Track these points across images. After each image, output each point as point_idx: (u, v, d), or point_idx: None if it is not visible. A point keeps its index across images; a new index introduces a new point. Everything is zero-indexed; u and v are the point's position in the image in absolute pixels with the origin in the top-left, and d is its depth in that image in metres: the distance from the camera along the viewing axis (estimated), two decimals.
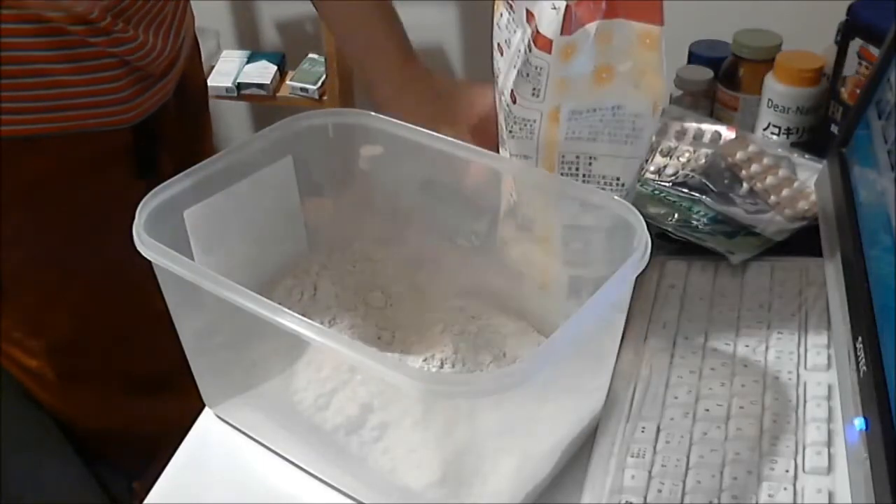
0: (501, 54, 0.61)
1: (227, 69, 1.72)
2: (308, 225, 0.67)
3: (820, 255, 0.65)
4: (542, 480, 0.55)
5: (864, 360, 0.53)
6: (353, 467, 0.55)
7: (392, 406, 0.52)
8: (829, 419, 0.56)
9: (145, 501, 0.57)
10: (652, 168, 0.77)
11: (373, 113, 0.64)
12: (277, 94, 1.71)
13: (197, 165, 0.58)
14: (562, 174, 0.59)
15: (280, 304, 0.48)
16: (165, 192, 0.56)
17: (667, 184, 0.75)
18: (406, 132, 0.62)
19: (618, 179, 0.59)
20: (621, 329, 0.58)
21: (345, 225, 0.69)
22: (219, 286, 0.50)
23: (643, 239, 0.52)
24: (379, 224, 0.69)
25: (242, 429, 0.61)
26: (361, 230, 0.69)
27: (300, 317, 0.47)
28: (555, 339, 0.46)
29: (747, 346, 0.62)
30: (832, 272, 0.63)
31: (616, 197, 0.56)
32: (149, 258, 0.53)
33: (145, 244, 0.53)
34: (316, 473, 0.57)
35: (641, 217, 0.54)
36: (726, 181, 0.74)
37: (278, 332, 0.48)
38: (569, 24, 0.53)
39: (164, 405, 0.86)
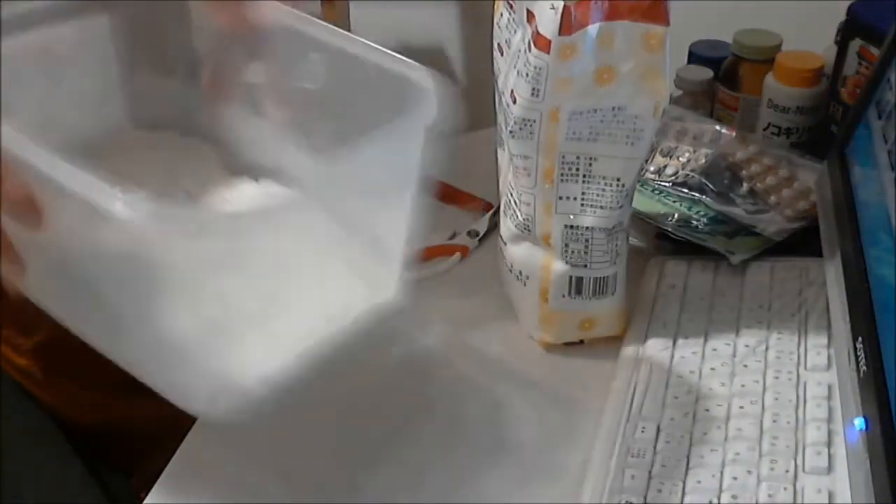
0: (501, 54, 0.61)
1: None
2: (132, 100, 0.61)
3: (820, 255, 0.65)
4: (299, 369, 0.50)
5: (864, 360, 0.54)
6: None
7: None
8: (829, 419, 0.56)
9: (146, 501, 0.57)
10: (652, 168, 0.77)
11: None
12: None
13: None
14: (562, 174, 0.59)
15: None
16: None
17: (667, 184, 0.75)
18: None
19: (618, 180, 0.59)
20: (407, 212, 0.52)
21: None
22: None
23: (431, 95, 0.50)
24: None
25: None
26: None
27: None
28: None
29: (747, 346, 0.63)
30: (832, 272, 0.63)
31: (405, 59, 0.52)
32: None
33: None
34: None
35: (435, 79, 0.51)
36: (726, 181, 0.74)
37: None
38: (567, 24, 0.53)
39: (161, 403, 0.86)
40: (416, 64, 0.52)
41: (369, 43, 0.54)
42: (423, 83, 0.51)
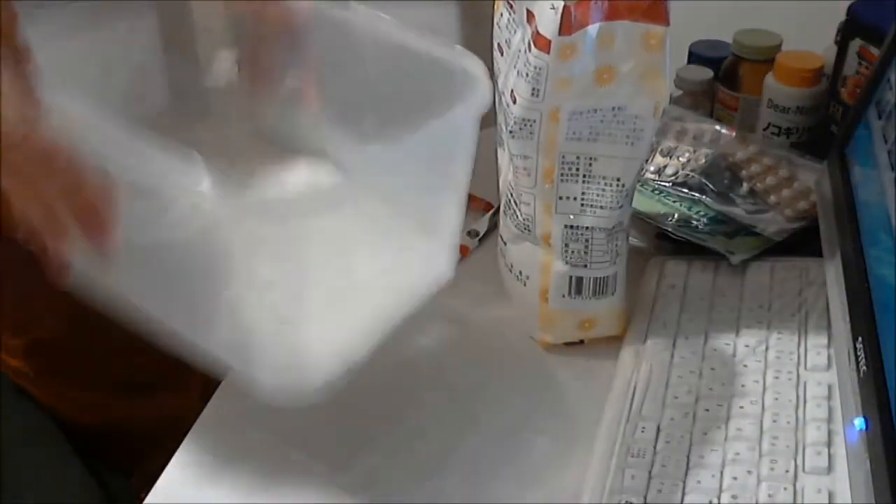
0: (501, 54, 0.61)
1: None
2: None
3: (820, 255, 0.65)
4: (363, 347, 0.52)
5: (864, 360, 0.54)
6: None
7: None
8: (829, 419, 0.56)
9: (146, 501, 0.57)
10: (652, 168, 0.77)
11: None
12: None
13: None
14: (562, 174, 0.59)
15: None
16: None
17: (667, 184, 0.75)
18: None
19: (618, 180, 0.59)
20: (460, 192, 0.54)
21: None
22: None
23: (482, 82, 0.50)
24: None
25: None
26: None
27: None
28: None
29: (747, 346, 0.63)
30: (832, 272, 0.63)
31: (455, 47, 0.53)
32: None
33: None
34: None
35: (483, 66, 0.52)
36: (726, 181, 0.74)
37: None
38: (567, 24, 0.53)
39: (159, 403, 0.86)
40: (464, 50, 0.52)
41: (412, 30, 0.55)
42: (473, 70, 0.51)
